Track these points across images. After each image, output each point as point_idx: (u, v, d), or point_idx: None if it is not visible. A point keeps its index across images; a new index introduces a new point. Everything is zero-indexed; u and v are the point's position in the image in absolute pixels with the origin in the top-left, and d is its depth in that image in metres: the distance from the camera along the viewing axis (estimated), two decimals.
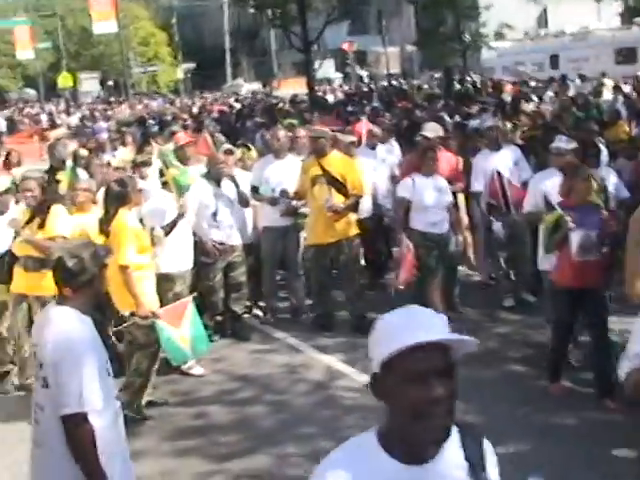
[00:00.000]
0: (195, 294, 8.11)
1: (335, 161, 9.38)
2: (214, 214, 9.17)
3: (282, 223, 9.89)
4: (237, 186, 9.28)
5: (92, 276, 4.16)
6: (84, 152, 12.21)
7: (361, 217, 10.00)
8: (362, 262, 10.22)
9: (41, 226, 7.49)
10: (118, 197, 7.37)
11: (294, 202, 9.80)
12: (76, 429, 3.91)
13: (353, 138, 11.00)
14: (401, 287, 9.05)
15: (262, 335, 9.63)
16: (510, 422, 6.77)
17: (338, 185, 9.22)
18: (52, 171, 11.25)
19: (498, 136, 9.89)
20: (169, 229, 8.26)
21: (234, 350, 9.02)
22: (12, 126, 37.06)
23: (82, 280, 4.13)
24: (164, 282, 8.01)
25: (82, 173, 10.75)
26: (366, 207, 10.31)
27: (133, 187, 7.53)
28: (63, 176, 10.34)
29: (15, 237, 7.63)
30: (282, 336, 9.53)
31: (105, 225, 7.38)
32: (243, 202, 9.46)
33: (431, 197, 9.09)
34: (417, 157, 9.47)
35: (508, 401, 7.27)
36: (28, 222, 7.58)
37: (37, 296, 7.32)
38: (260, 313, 10.26)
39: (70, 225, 7.86)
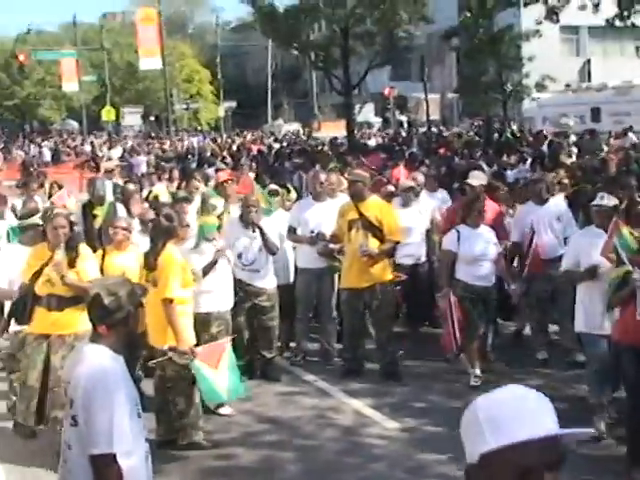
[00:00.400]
0: (233, 336, 8.09)
1: (373, 205, 9.37)
2: (239, 255, 9.18)
3: (318, 265, 9.88)
4: (264, 234, 9.21)
5: (127, 314, 4.13)
6: (131, 187, 12.03)
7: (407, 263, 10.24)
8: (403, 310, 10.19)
9: (70, 265, 7.13)
10: (166, 231, 7.42)
11: (331, 245, 9.78)
12: (105, 469, 3.86)
13: (392, 188, 11.06)
14: (455, 352, 8.99)
15: (291, 377, 9.58)
16: None
17: (374, 230, 9.20)
18: (90, 205, 11.31)
19: (543, 189, 9.71)
20: (208, 269, 8.27)
21: (262, 391, 8.97)
22: (56, 156, 37.54)
23: (117, 318, 4.10)
24: (201, 322, 7.95)
25: (121, 209, 10.69)
26: (422, 252, 10.47)
27: (180, 222, 7.59)
28: (100, 211, 10.38)
29: (39, 275, 7.12)
30: (312, 379, 9.49)
31: (152, 258, 7.37)
32: (269, 249, 9.36)
33: (478, 248, 8.94)
34: (463, 207, 9.36)
35: None
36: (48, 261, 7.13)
37: (59, 335, 7.07)
38: (290, 354, 10.20)
39: (109, 265, 8.01)
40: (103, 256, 8.14)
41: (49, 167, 29.23)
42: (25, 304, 7.17)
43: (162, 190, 11.22)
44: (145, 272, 7.50)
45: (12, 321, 7.54)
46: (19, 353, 7.49)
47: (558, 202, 9.91)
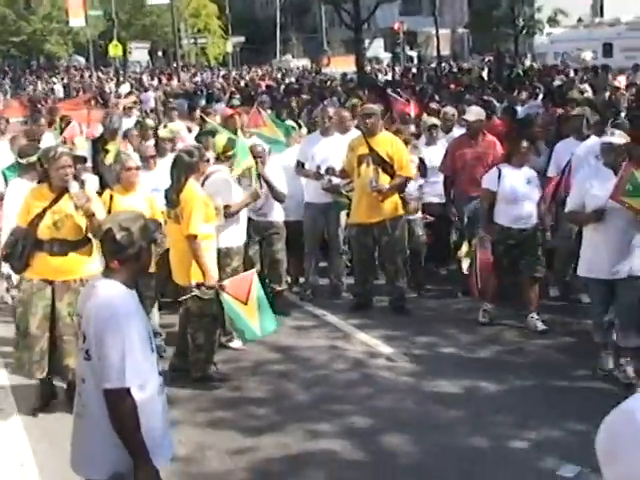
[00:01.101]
0: (258, 268, 8.13)
1: (383, 140, 9.35)
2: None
3: (324, 200, 9.92)
4: (270, 186, 9.19)
5: (140, 249, 4.11)
6: (150, 122, 11.93)
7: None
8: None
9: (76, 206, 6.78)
10: (187, 166, 7.40)
11: (338, 180, 9.80)
12: (118, 403, 3.91)
13: (413, 129, 11.01)
14: (477, 294, 8.86)
15: (301, 311, 9.69)
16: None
17: (385, 165, 9.21)
18: (102, 140, 11.06)
19: (584, 124, 9.35)
20: (238, 209, 8.29)
21: None
22: (67, 92, 37.35)
23: (130, 253, 4.08)
24: (222, 257, 7.96)
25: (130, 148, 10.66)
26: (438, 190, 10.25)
27: (201, 157, 7.58)
28: (112, 146, 10.24)
29: (40, 219, 6.73)
30: (321, 313, 9.60)
31: (174, 195, 7.36)
32: (277, 198, 9.31)
33: (518, 188, 8.56)
34: (507, 145, 9.03)
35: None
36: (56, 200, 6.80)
37: (63, 281, 6.76)
38: (300, 289, 10.30)
39: (117, 207, 7.71)
40: (111, 197, 7.94)
41: (61, 103, 29.11)
42: (24, 249, 6.75)
43: (180, 127, 11.08)
44: (167, 209, 7.53)
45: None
46: (14, 300, 7.22)
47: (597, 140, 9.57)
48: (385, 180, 9.19)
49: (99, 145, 10.93)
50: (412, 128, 11.23)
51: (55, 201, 6.70)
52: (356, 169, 9.29)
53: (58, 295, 6.75)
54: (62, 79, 49.55)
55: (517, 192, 8.55)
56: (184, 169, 7.41)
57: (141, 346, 3.96)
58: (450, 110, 11.31)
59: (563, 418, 6.60)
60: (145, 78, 45.60)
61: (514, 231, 8.60)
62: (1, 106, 30.41)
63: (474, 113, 9.98)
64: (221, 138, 8.63)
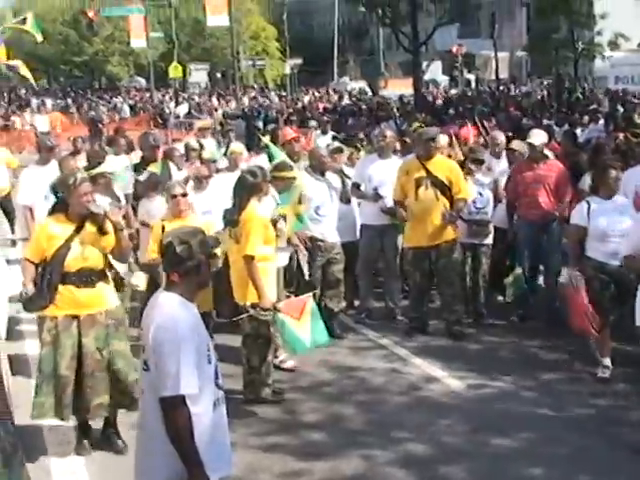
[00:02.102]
0: (316, 291, 8.12)
1: (441, 164, 9.30)
2: (317, 208, 9.20)
3: (381, 221, 9.86)
4: (344, 181, 9.32)
5: (199, 262, 4.21)
6: (194, 144, 11.86)
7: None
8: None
9: (101, 231, 6.46)
10: (250, 187, 7.41)
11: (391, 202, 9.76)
12: (172, 412, 3.99)
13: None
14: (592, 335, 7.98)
15: (356, 334, 9.63)
16: None
17: (443, 188, 9.15)
18: (143, 162, 10.78)
19: None
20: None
21: (328, 347, 9.00)
22: (133, 112, 37.93)
23: (189, 266, 4.19)
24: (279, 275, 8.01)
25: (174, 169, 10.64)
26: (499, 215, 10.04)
27: (264, 178, 7.60)
28: (155, 167, 10.12)
29: (67, 250, 6.34)
30: (376, 336, 9.53)
31: (235, 215, 7.39)
32: (345, 199, 9.50)
33: (610, 223, 7.76)
34: (594, 174, 8.25)
35: None
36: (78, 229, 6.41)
37: (89, 314, 6.40)
38: (354, 312, 10.25)
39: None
40: (163, 228, 7.84)
41: (124, 123, 29.61)
42: (49, 284, 6.30)
43: (239, 147, 11.09)
44: (228, 228, 7.56)
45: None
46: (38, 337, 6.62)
47: None
48: (444, 202, 9.13)
49: (140, 168, 10.71)
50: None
51: (78, 230, 6.35)
52: (412, 192, 9.21)
53: (84, 330, 6.36)
54: (124, 99, 50.34)
55: (609, 226, 7.78)
56: (247, 189, 7.42)
57: (197, 358, 4.05)
58: (499, 135, 11.11)
59: (620, 450, 6.45)
60: (204, 99, 46.14)
61: (610, 267, 7.71)
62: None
63: (539, 136, 9.81)
64: (276, 160, 8.68)
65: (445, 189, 9.15)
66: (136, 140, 12.69)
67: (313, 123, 17.91)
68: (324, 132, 16.22)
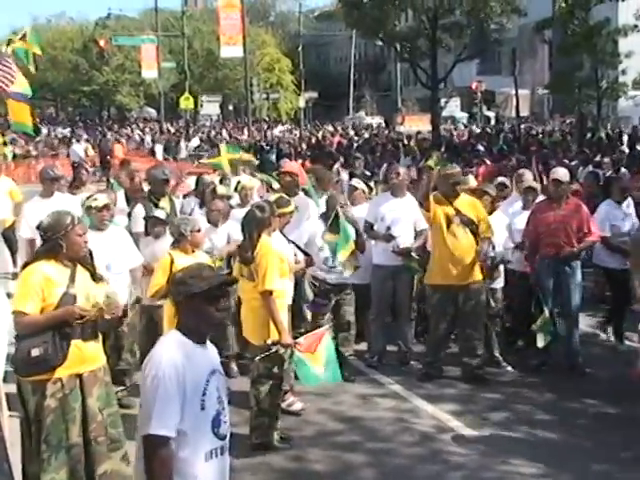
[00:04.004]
0: (331, 324, 8.07)
1: (467, 202, 9.34)
2: (326, 259, 9.16)
3: (393, 262, 9.81)
4: (358, 230, 9.30)
5: (208, 289, 4.14)
6: (208, 179, 11.76)
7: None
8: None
9: (94, 278, 6.22)
10: (260, 222, 7.44)
11: (409, 243, 9.75)
12: (149, 451, 3.97)
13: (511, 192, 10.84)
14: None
15: (367, 379, 9.54)
16: None
17: (472, 226, 9.18)
18: (152, 198, 10.09)
19: None
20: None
21: (337, 391, 8.93)
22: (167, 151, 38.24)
23: (180, 300, 4.21)
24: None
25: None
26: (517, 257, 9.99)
27: (272, 212, 7.59)
28: (165, 203, 9.88)
29: (72, 300, 5.94)
30: (387, 381, 9.44)
31: (249, 251, 7.38)
32: (362, 246, 9.43)
33: None
34: None
35: None
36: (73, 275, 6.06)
37: (91, 371, 6.06)
38: (366, 356, 10.17)
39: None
40: (171, 262, 7.75)
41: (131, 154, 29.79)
42: (64, 339, 5.88)
43: (250, 182, 11.05)
44: (239, 266, 7.53)
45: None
46: (36, 405, 5.94)
47: None
48: (471, 241, 9.15)
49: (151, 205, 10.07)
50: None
51: (73, 276, 5.98)
52: (441, 230, 9.17)
53: (88, 389, 5.99)
54: (142, 130, 50.58)
55: None
56: (256, 225, 7.43)
57: (182, 400, 3.99)
58: (527, 174, 11.03)
59: None
60: (213, 133, 46.37)
61: None
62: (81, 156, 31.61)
63: (562, 174, 9.77)
64: (274, 196, 8.71)
65: (474, 227, 9.19)
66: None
67: (337, 165, 17.51)
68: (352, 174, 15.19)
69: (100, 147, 34.67)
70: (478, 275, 9.25)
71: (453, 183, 9.27)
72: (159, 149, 38.64)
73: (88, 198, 8.54)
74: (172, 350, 4.08)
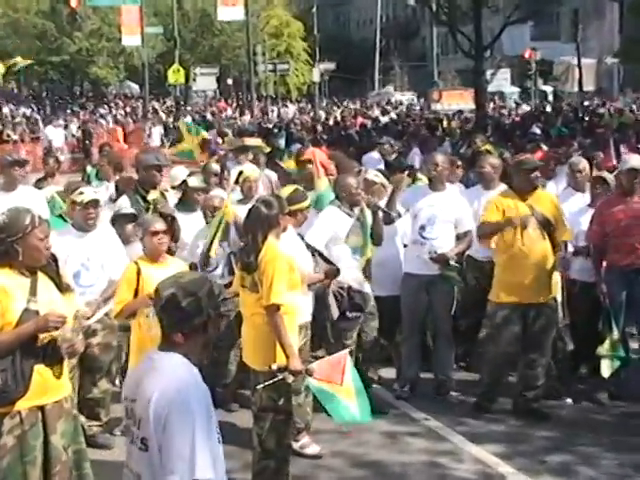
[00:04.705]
0: (351, 348, 8.12)
1: (542, 198, 9.28)
2: (354, 252, 9.18)
3: (428, 271, 9.77)
4: (377, 219, 9.27)
5: (208, 318, 4.23)
6: (215, 166, 11.86)
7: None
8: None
9: (60, 288, 6.20)
10: (267, 221, 7.41)
11: (446, 248, 9.73)
12: None
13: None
14: None
15: (396, 413, 9.53)
16: None
17: (550, 229, 9.13)
18: (140, 191, 10.12)
19: None
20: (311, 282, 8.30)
21: (359, 428, 8.89)
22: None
23: (197, 323, 4.21)
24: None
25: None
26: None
27: (282, 209, 7.58)
28: (155, 196, 9.96)
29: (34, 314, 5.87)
30: (421, 417, 9.44)
31: (252, 257, 7.35)
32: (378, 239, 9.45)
33: None
34: None
35: None
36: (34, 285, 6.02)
37: (55, 402, 5.99)
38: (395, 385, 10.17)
39: (149, 283, 7.37)
40: (138, 272, 7.74)
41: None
42: (26, 366, 5.78)
43: (254, 172, 11.06)
44: (241, 274, 7.55)
45: None
46: None
47: None
48: (547, 247, 9.10)
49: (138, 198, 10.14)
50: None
51: (34, 288, 5.93)
52: (517, 235, 9.13)
53: (51, 424, 5.93)
54: (111, 110, 50.85)
55: None
56: (261, 224, 7.41)
57: (212, 436, 4.08)
58: (580, 162, 10.97)
59: None
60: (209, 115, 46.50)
61: None
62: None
63: (637, 162, 9.69)
64: (288, 188, 8.71)
65: (552, 230, 9.14)
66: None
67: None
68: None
69: (83, 130, 35.09)
70: (553, 290, 9.22)
71: (529, 170, 9.18)
72: (157, 133, 38.77)
73: (73, 191, 8.58)
74: (196, 379, 4.15)
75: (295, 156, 13.04)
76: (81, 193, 8.39)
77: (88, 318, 7.27)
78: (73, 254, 8.17)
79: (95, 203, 8.35)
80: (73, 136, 38.26)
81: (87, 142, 32.48)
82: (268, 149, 15.84)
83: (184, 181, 10.78)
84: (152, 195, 9.89)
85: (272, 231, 7.44)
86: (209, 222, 9.51)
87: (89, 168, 15.33)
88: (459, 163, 12.01)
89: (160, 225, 7.94)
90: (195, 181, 10.60)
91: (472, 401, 9.53)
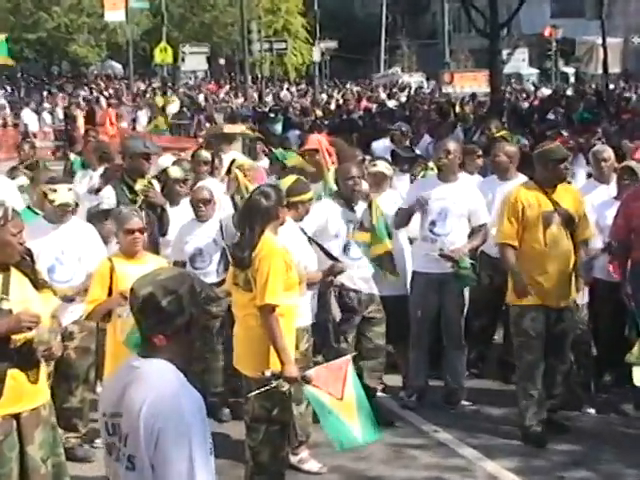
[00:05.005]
0: (355, 353, 8.13)
1: (565, 193, 9.15)
2: (345, 248, 9.22)
3: (439, 269, 9.78)
4: (371, 210, 9.28)
5: (190, 318, 4.18)
6: (206, 154, 11.87)
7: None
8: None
9: (36, 285, 6.29)
10: (264, 213, 7.42)
11: (458, 244, 9.73)
12: None
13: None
14: None
15: (402, 424, 9.55)
16: None
17: (573, 226, 9.04)
18: (126, 178, 10.18)
19: None
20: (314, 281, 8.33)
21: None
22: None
23: (179, 324, 4.15)
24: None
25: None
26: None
27: (280, 200, 7.57)
28: (142, 184, 9.96)
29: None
30: (429, 429, 9.46)
31: (247, 252, 7.35)
32: None
33: None
34: None
35: None
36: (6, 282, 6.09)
37: (33, 410, 6.06)
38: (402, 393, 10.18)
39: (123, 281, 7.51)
40: (111, 270, 7.81)
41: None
42: None
43: (247, 163, 11.06)
44: (233, 271, 7.57)
45: None
46: None
47: None
48: (569, 246, 9.03)
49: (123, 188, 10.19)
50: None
51: (7, 286, 6.00)
52: (539, 234, 9.01)
53: (28, 434, 5.99)
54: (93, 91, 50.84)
55: None
56: (259, 216, 7.42)
57: (208, 450, 4.05)
58: (604, 151, 10.96)
59: None
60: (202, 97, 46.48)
61: None
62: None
63: None
64: (288, 178, 8.72)
65: (575, 228, 9.06)
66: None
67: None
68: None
69: (66, 114, 35.13)
70: (574, 292, 9.19)
71: (557, 161, 9.05)
72: (143, 116, 38.79)
73: (47, 183, 8.55)
74: (187, 387, 4.11)
75: (298, 146, 13.03)
76: (54, 191, 8.33)
77: (71, 300, 7.30)
78: (46, 248, 8.17)
79: (66, 207, 8.33)
80: (60, 121, 38.23)
81: (69, 127, 32.42)
82: (252, 135, 15.87)
83: (164, 170, 10.75)
84: (139, 185, 9.90)
85: (270, 224, 7.45)
86: (201, 218, 9.53)
87: (72, 156, 15.33)
88: (479, 152, 11.88)
89: (135, 223, 7.94)
90: (177, 171, 10.59)
91: (485, 411, 9.55)
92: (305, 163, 10.72)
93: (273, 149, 13.63)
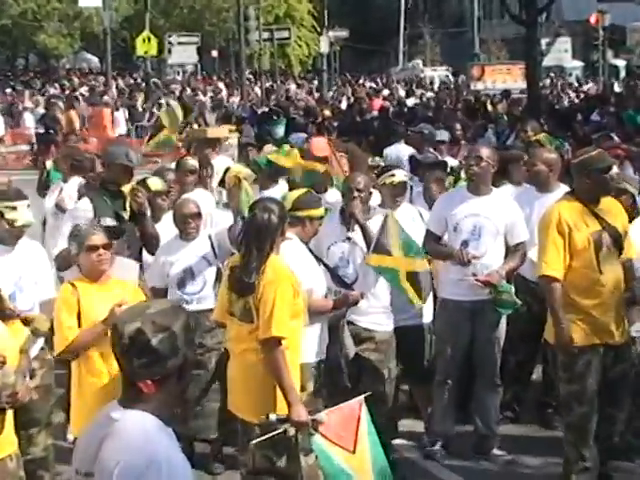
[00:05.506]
0: (368, 393, 8.11)
1: (610, 207, 9.07)
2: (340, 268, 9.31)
3: (472, 296, 9.79)
4: (365, 233, 9.27)
5: (184, 362, 4.15)
6: (192, 162, 11.93)
7: None
8: None
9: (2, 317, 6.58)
10: (270, 231, 7.46)
11: (494, 266, 9.71)
12: None
13: None
14: None
15: (424, 476, 9.56)
16: None
17: (622, 248, 8.96)
18: (110, 186, 10.19)
19: None
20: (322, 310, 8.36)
21: None
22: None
23: (170, 367, 4.11)
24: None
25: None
26: None
27: (283, 216, 7.64)
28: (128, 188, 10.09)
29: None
30: None
31: (250, 275, 7.37)
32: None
33: None
34: None
35: None
36: None
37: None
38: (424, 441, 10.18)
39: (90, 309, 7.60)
40: (77, 296, 7.77)
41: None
42: None
43: (243, 171, 11.15)
44: (229, 298, 7.59)
45: None
46: None
47: None
48: (619, 271, 8.97)
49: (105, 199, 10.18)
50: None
51: None
52: (592, 260, 8.88)
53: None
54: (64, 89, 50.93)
55: None
56: (265, 234, 7.47)
57: None
58: None
59: None
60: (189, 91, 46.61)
61: None
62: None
63: None
64: (296, 191, 8.78)
65: (621, 247, 8.98)
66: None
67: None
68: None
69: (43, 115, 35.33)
70: (626, 326, 9.13)
71: (601, 171, 8.92)
72: (121, 116, 38.92)
73: (1, 201, 8.53)
74: (166, 443, 4.07)
75: (300, 150, 13.04)
76: (12, 209, 8.26)
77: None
78: (4, 273, 8.16)
79: (27, 228, 8.37)
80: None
81: (49, 130, 32.44)
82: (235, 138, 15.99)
83: (143, 180, 10.71)
84: (127, 187, 10.00)
85: (275, 244, 7.49)
86: (188, 236, 9.53)
87: (49, 163, 15.34)
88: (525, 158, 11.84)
89: (99, 238, 7.91)
90: (157, 183, 10.58)
91: (521, 461, 9.58)
92: (312, 164, 10.78)
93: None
